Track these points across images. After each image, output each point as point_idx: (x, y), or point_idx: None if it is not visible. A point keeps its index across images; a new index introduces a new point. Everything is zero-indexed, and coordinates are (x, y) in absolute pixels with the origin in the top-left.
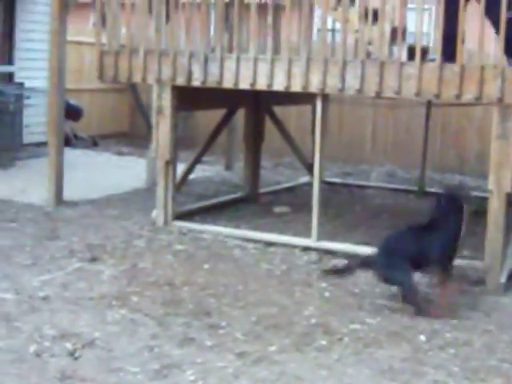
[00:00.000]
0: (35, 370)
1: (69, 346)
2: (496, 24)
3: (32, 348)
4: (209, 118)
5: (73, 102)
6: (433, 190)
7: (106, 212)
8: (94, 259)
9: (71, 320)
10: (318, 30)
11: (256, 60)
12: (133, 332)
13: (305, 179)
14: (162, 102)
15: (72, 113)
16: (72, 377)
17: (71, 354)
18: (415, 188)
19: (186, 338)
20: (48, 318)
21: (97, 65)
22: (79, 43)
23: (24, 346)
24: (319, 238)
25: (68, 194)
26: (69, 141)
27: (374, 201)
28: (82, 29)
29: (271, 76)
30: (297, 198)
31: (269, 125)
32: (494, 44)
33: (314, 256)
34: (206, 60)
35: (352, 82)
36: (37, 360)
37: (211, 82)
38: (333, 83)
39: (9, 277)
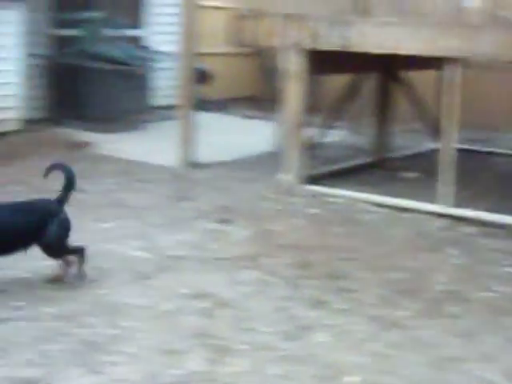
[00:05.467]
0: (170, 327)
1: (202, 304)
2: None
3: (166, 306)
4: (333, 82)
5: (201, 65)
6: None
7: (235, 174)
8: (225, 221)
9: (204, 280)
10: None
11: (388, 24)
12: (265, 293)
13: (431, 145)
14: (294, 65)
15: (200, 76)
16: (205, 334)
17: (204, 312)
18: None
19: (318, 300)
20: (181, 277)
21: (229, 29)
22: (206, 7)
23: (158, 304)
24: (450, 205)
25: (198, 156)
26: (198, 104)
27: (504, 168)
28: None
29: (409, 40)
30: (424, 163)
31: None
32: None
33: (444, 222)
34: (337, 24)
35: (487, 47)
36: (171, 317)
37: (343, 46)
38: (467, 48)
39: (143, 236)
